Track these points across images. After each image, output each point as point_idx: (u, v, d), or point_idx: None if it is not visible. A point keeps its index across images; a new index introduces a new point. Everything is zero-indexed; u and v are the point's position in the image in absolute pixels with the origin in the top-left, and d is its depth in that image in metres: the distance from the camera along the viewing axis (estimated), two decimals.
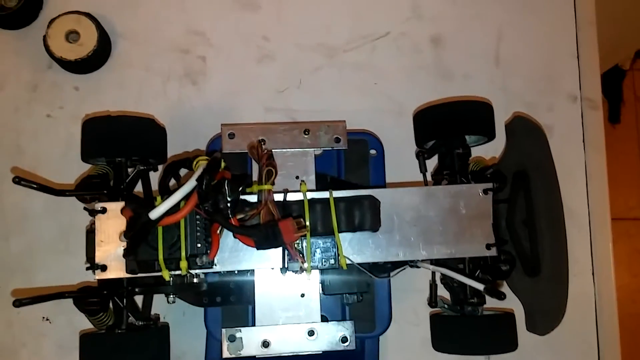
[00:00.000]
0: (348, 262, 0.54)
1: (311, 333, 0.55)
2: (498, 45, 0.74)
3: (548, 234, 0.57)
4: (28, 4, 0.68)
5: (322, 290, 0.57)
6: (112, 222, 0.53)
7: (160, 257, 0.50)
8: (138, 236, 0.49)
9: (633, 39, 1.32)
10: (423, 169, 0.61)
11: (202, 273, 0.55)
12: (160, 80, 0.71)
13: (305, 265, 0.53)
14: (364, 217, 0.54)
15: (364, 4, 0.74)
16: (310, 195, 0.54)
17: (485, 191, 0.56)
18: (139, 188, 0.59)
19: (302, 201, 0.54)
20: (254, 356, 0.55)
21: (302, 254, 0.53)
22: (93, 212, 0.53)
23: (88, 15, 0.67)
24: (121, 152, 0.57)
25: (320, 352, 0.55)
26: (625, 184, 1.58)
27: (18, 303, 0.50)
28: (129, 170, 0.58)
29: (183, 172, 0.57)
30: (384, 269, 0.58)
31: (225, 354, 0.54)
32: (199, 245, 0.51)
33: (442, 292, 0.62)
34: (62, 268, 0.66)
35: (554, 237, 0.57)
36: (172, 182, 0.57)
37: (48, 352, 0.65)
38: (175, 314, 0.65)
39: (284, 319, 0.56)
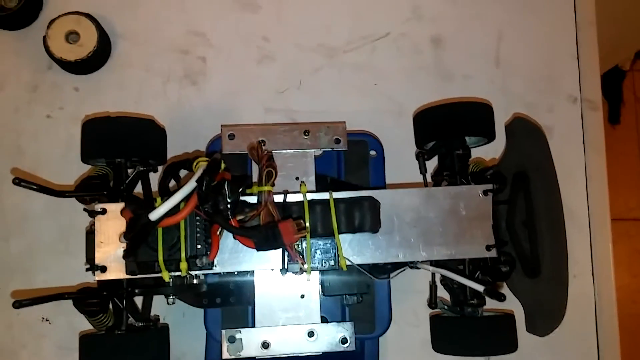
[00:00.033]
0: (348, 263, 0.54)
1: (311, 334, 0.55)
2: (498, 45, 0.74)
3: (548, 235, 0.57)
4: (28, 5, 0.68)
5: (322, 291, 0.57)
6: (112, 223, 0.53)
7: (160, 258, 0.50)
8: (138, 237, 0.49)
9: (633, 40, 1.32)
10: (423, 170, 0.61)
11: (202, 274, 0.55)
12: (160, 81, 0.71)
13: (305, 266, 0.53)
14: (364, 218, 0.54)
15: (364, 5, 0.74)
16: (310, 196, 0.54)
17: (485, 192, 0.56)
18: (138, 189, 0.59)
19: (302, 202, 0.54)
20: (254, 357, 0.55)
21: (302, 255, 0.53)
22: (93, 213, 0.53)
23: (88, 15, 0.67)
24: (121, 153, 0.57)
25: (320, 353, 0.55)
26: (625, 184, 1.58)
27: (18, 304, 0.50)
28: (129, 171, 0.58)
29: (183, 173, 0.57)
30: (384, 270, 0.58)
31: (225, 355, 0.54)
32: (198, 246, 0.51)
33: (442, 293, 0.62)
34: (62, 269, 0.66)
35: (554, 238, 0.57)
36: (172, 183, 0.57)
37: (48, 353, 0.65)
38: (175, 315, 0.65)
39: (284, 320, 0.56)
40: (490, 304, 0.55)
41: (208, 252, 0.51)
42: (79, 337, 0.56)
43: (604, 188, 0.72)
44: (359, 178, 0.63)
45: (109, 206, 0.53)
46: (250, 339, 0.55)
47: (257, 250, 0.51)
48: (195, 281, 0.55)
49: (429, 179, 0.62)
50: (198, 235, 0.51)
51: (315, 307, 0.57)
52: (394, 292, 0.61)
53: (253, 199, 0.53)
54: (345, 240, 0.55)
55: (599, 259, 0.71)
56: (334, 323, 0.56)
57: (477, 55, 0.74)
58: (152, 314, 0.59)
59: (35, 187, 0.52)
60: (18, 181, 0.51)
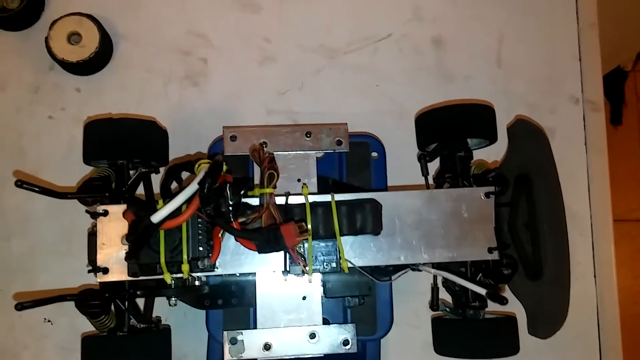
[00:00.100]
0: (349, 265, 0.54)
1: (313, 336, 0.55)
2: (499, 46, 0.74)
3: (550, 237, 0.57)
4: (30, 6, 0.68)
5: (324, 293, 0.57)
6: (114, 224, 0.53)
7: (162, 260, 0.50)
8: (140, 240, 0.49)
9: (635, 41, 1.32)
10: (425, 172, 0.61)
11: (204, 276, 0.55)
12: (162, 82, 0.71)
13: (307, 268, 0.53)
14: (366, 220, 0.54)
15: (365, 6, 0.74)
16: (311, 198, 0.54)
17: (487, 195, 0.56)
18: (140, 190, 0.59)
19: (303, 204, 0.54)
20: (256, 359, 0.55)
21: (304, 258, 0.53)
22: (95, 215, 0.53)
23: (90, 17, 0.67)
24: (123, 154, 0.58)
25: (322, 355, 0.55)
26: (627, 185, 1.58)
27: (20, 306, 0.50)
28: (131, 172, 0.58)
29: (185, 174, 0.57)
30: (386, 272, 0.58)
31: (227, 357, 0.54)
32: (200, 248, 0.51)
33: (444, 295, 0.62)
34: (63, 270, 0.66)
35: (556, 240, 0.57)
36: (174, 185, 0.57)
37: (50, 354, 0.65)
38: (176, 316, 0.65)
39: (286, 322, 0.56)
40: (492, 306, 0.55)
41: (210, 254, 0.51)
42: (81, 338, 0.56)
43: (606, 189, 0.72)
44: (361, 180, 0.63)
45: (111, 208, 0.53)
46: (251, 340, 0.55)
47: (259, 252, 0.51)
48: (197, 283, 0.55)
49: (430, 181, 0.61)
50: (200, 237, 0.51)
51: (317, 308, 0.57)
52: (395, 294, 0.61)
53: (255, 201, 0.53)
54: (347, 243, 0.55)
55: (601, 260, 0.70)
56: (335, 325, 0.56)
57: (478, 56, 0.74)
58: (153, 315, 0.59)
59: (37, 189, 0.52)
60: (20, 183, 0.51)
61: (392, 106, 0.72)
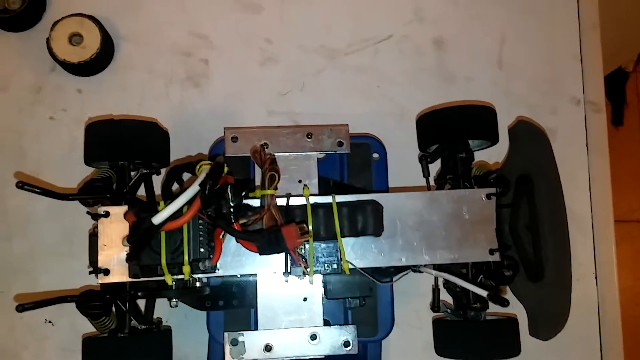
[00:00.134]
0: (351, 267, 0.54)
1: (314, 337, 0.55)
2: (501, 47, 0.74)
3: (551, 238, 0.57)
4: (31, 7, 0.68)
5: (325, 294, 0.57)
6: (115, 226, 0.53)
7: (163, 261, 0.50)
8: (141, 241, 0.49)
9: (636, 41, 1.32)
10: (426, 173, 0.61)
11: (205, 277, 0.55)
12: (163, 83, 0.71)
13: (308, 270, 0.53)
14: (367, 221, 0.54)
15: (366, 7, 0.74)
16: (313, 199, 0.54)
17: (488, 196, 0.56)
18: (141, 192, 0.59)
19: (304, 206, 0.54)
20: None
21: (305, 259, 0.53)
22: (96, 216, 0.53)
23: (91, 17, 0.67)
24: (124, 155, 0.58)
25: (323, 356, 0.55)
26: (628, 186, 1.57)
27: (21, 308, 0.50)
28: (132, 173, 0.58)
29: (186, 176, 0.57)
30: (387, 273, 0.58)
31: (228, 358, 0.54)
32: (201, 250, 0.51)
33: (445, 296, 0.62)
34: (64, 271, 0.66)
35: (557, 242, 0.57)
36: (175, 186, 0.57)
37: (50, 354, 0.65)
38: (177, 317, 0.65)
39: (287, 323, 0.56)
40: (493, 307, 0.55)
41: (211, 256, 0.51)
42: (81, 339, 0.56)
43: (608, 190, 0.72)
44: (362, 181, 0.63)
45: (112, 209, 0.53)
46: (252, 341, 0.55)
47: (260, 254, 0.51)
48: (198, 284, 0.55)
49: (432, 182, 0.61)
50: (201, 238, 0.51)
51: (318, 310, 0.57)
52: (396, 295, 0.61)
53: (256, 203, 0.53)
54: (348, 244, 0.55)
55: (602, 261, 0.70)
56: (336, 326, 0.56)
57: (479, 57, 0.74)
58: (154, 316, 0.59)
59: (38, 190, 0.52)
60: (21, 185, 0.51)
61: (393, 107, 0.72)
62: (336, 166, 0.62)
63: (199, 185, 0.49)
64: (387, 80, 0.72)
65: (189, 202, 0.49)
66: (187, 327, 0.65)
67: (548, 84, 0.73)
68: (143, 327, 0.57)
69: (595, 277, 0.70)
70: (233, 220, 0.50)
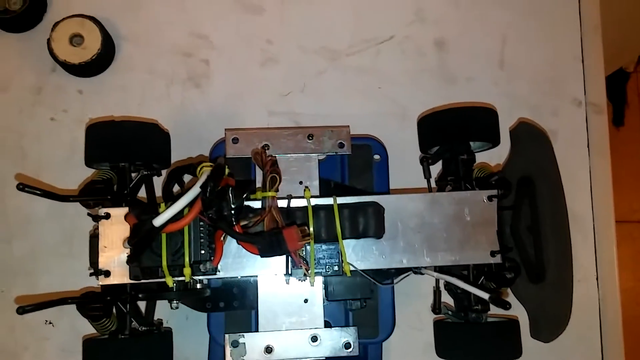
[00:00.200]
0: (352, 269, 0.54)
1: (314, 339, 0.55)
2: (502, 48, 0.74)
3: (553, 240, 0.57)
4: (32, 7, 0.68)
5: (326, 296, 0.57)
6: (116, 227, 0.53)
7: (164, 263, 0.50)
8: (142, 243, 0.49)
9: (638, 42, 1.32)
10: (427, 174, 0.61)
11: (206, 279, 0.55)
12: (164, 84, 0.71)
13: (309, 272, 0.53)
14: (368, 223, 0.54)
15: (368, 8, 0.74)
16: (314, 201, 0.54)
17: (489, 198, 0.56)
18: (142, 193, 0.59)
19: (306, 208, 0.54)
20: None
21: (306, 261, 0.53)
22: (97, 218, 0.53)
23: (92, 18, 0.67)
24: (125, 157, 0.57)
25: (324, 358, 0.55)
26: (629, 186, 1.57)
27: (21, 310, 0.50)
28: (133, 175, 0.58)
29: (187, 177, 0.57)
30: (388, 274, 0.58)
31: None
32: (202, 251, 0.51)
33: (446, 298, 0.62)
34: (65, 272, 0.66)
35: (558, 243, 0.57)
36: (176, 187, 0.57)
37: (50, 355, 0.65)
38: (178, 318, 0.65)
39: (287, 325, 0.56)
40: (495, 309, 0.55)
41: (212, 258, 0.51)
42: (82, 341, 0.56)
43: (609, 191, 0.72)
44: (363, 182, 0.63)
45: (113, 211, 0.53)
46: (253, 343, 0.55)
47: (261, 256, 0.51)
48: (198, 286, 0.55)
49: (433, 183, 0.61)
50: (202, 240, 0.51)
51: (319, 311, 0.57)
52: (397, 296, 0.61)
53: (257, 204, 0.53)
54: (349, 246, 0.55)
55: (603, 262, 0.70)
56: (337, 328, 0.56)
57: (481, 58, 0.74)
58: (155, 318, 0.59)
59: (39, 192, 0.52)
60: (22, 187, 0.51)
61: (395, 108, 0.72)
62: (337, 167, 0.62)
63: (200, 187, 0.49)
64: (389, 81, 0.72)
65: (190, 204, 0.49)
66: (187, 329, 0.65)
67: (549, 85, 0.73)
68: (144, 328, 0.57)
69: (597, 278, 0.70)
70: (234, 222, 0.50)
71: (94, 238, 0.54)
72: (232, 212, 0.49)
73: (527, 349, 0.58)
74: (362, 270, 0.55)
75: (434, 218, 0.56)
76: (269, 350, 0.55)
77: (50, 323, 0.66)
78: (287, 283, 0.56)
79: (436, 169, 0.63)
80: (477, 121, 0.61)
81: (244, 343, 0.55)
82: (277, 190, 0.53)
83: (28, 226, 0.67)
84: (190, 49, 0.71)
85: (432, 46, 0.73)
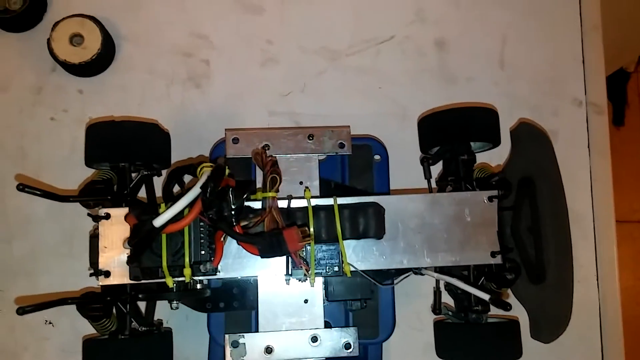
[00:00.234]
0: (352, 269, 0.54)
1: (314, 339, 0.55)
2: (502, 48, 0.74)
3: (553, 241, 0.57)
4: (32, 7, 0.68)
5: (326, 296, 0.57)
6: (116, 228, 0.53)
7: (164, 264, 0.50)
8: (142, 243, 0.49)
9: (638, 42, 1.32)
10: (428, 175, 0.61)
11: (206, 279, 0.55)
12: (164, 84, 0.71)
13: (310, 272, 0.53)
14: (369, 224, 0.54)
15: (368, 7, 0.74)
16: (314, 202, 0.54)
17: (490, 198, 0.56)
18: (142, 193, 0.59)
19: (306, 208, 0.54)
20: None
21: (306, 262, 0.53)
22: (97, 218, 0.53)
23: (92, 18, 0.67)
24: (125, 157, 0.57)
25: (324, 359, 0.55)
26: (629, 186, 1.57)
27: (21, 311, 0.50)
28: (133, 175, 0.58)
29: (187, 177, 0.57)
30: (388, 275, 0.58)
31: None
32: (202, 252, 0.51)
33: (446, 298, 0.61)
34: (65, 272, 0.66)
35: (559, 244, 0.57)
36: (176, 187, 0.57)
37: (50, 355, 0.65)
38: (178, 318, 0.65)
39: (287, 325, 0.56)
40: (495, 309, 0.55)
41: (212, 258, 0.51)
42: (82, 341, 0.56)
43: (609, 192, 0.72)
44: (363, 182, 0.62)
45: (113, 211, 0.53)
46: (253, 343, 0.55)
47: (261, 257, 0.51)
48: (198, 286, 0.55)
49: (433, 184, 0.61)
50: (202, 241, 0.51)
51: (319, 312, 0.56)
52: (397, 296, 0.61)
53: (257, 205, 0.53)
54: (350, 246, 0.55)
55: (603, 262, 0.70)
56: (337, 328, 0.56)
57: (481, 58, 0.73)
58: (155, 318, 0.59)
59: (39, 192, 0.52)
60: (22, 187, 0.51)
61: (395, 108, 0.72)
62: (337, 168, 0.62)
63: (200, 187, 0.49)
64: (389, 81, 0.72)
65: (190, 205, 0.49)
66: (187, 329, 0.64)
67: (550, 85, 0.73)
68: (143, 328, 0.56)
69: (597, 279, 0.70)
70: (234, 223, 0.50)
71: (94, 238, 0.54)
72: (233, 212, 0.49)
73: (528, 350, 0.58)
74: (362, 271, 0.55)
75: (434, 219, 0.56)
76: (269, 350, 0.55)
77: (50, 323, 0.66)
78: (287, 283, 0.56)
79: (436, 169, 0.63)
80: (478, 121, 0.61)
81: (244, 343, 0.55)
82: (277, 191, 0.53)
83: (28, 226, 0.67)
84: (191, 49, 0.71)
85: (433, 46, 0.73)
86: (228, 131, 0.58)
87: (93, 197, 0.56)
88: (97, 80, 0.70)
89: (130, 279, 0.52)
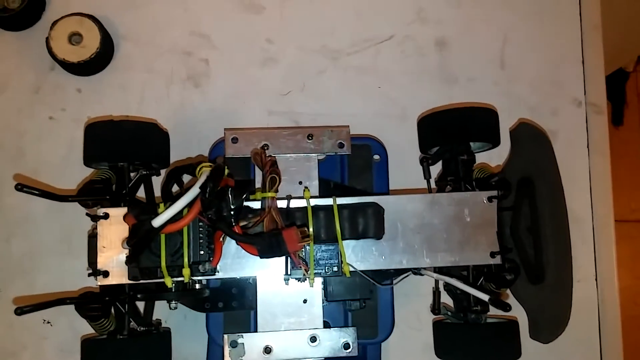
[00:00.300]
0: (351, 269, 0.54)
1: (313, 339, 0.55)
2: (503, 48, 0.74)
3: (552, 241, 0.57)
4: (31, 6, 0.68)
5: (325, 296, 0.57)
6: (115, 228, 0.53)
7: (163, 264, 0.50)
8: (141, 243, 0.49)
9: (637, 42, 1.32)
10: (427, 175, 0.61)
11: (205, 279, 0.55)
12: (163, 83, 0.70)
13: (309, 273, 0.53)
14: (368, 224, 0.54)
15: (368, 7, 0.74)
16: (313, 202, 0.54)
17: (489, 199, 0.56)
18: (141, 193, 0.59)
19: (305, 208, 0.53)
20: None
21: (306, 262, 0.53)
22: (95, 218, 0.53)
23: (91, 17, 0.67)
24: (124, 156, 0.57)
25: (323, 359, 0.55)
26: (628, 186, 1.57)
27: (20, 311, 0.50)
28: (132, 175, 0.58)
29: (186, 177, 0.57)
30: (387, 275, 0.58)
31: None
32: (201, 252, 0.51)
33: (446, 298, 0.61)
34: (63, 271, 0.65)
35: (558, 244, 0.57)
36: (175, 187, 0.57)
37: (49, 355, 0.65)
38: (176, 318, 0.65)
39: (286, 325, 0.56)
40: (494, 310, 0.55)
41: (211, 258, 0.51)
42: (80, 341, 0.56)
43: (608, 192, 0.72)
44: (363, 182, 0.62)
45: (112, 211, 0.53)
46: (252, 343, 0.55)
47: (261, 257, 0.50)
48: (197, 286, 0.55)
49: (433, 184, 0.61)
50: (201, 241, 0.51)
51: (318, 312, 0.56)
52: (397, 296, 0.61)
53: (256, 205, 0.53)
54: (349, 246, 0.55)
55: (602, 262, 0.70)
56: (336, 328, 0.56)
57: (481, 58, 0.73)
58: (154, 318, 0.59)
59: (37, 192, 0.52)
60: (20, 187, 0.51)
61: (395, 108, 0.71)
62: (337, 168, 0.62)
63: (200, 187, 0.48)
64: (389, 81, 0.72)
65: (189, 205, 0.49)
66: (186, 329, 0.64)
67: (550, 86, 0.73)
68: (142, 328, 0.56)
69: (596, 279, 0.70)
70: (233, 223, 0.50)
71: (93, 238, 0.53)
72: (232, 212, 0.49)
73: (527, 350, 0.58)
74: (361, 271, 0.55)
75: (433, 219, 0.56)
76: (267, 350, 0.55)
77: (48, 323, 0.65)
78: (287, 283, 0.56)
79: (436, 169, 0.63)
80: (477, 121, 0.60)
81: (243, 343, 0.54)
82: (276, 191, 0.53)
83: (26, 226, 0.67)
84: (190, 48, 0.71)
85: (433, 46, 0.73)
86: (227, 131, 0.58)
87: (92, 196, 0.56)
88: (95, 79, 0.70)
89: (129, 279, 0.52)
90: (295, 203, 0.54)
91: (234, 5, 0.72)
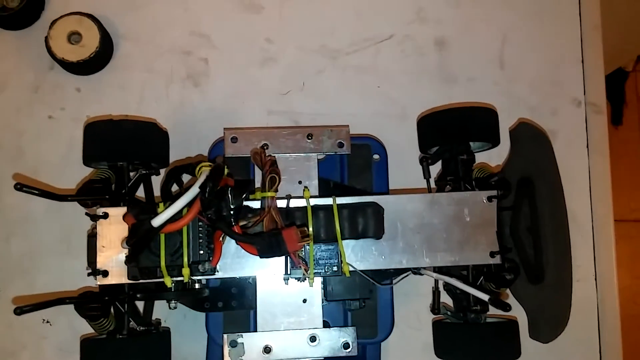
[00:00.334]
0: (351, 269, 0.54)
1: (313, 339, 0.55)
2: (502, 48, 0.74)
3: (552, 241, 0.57)
4: (30, 5, 0.68)
5: (325, 296, 0.57)
6: (114, 227, 0.53)
7: (163, 264, 0.50)
8: (140, 243, 0.49)
9: (637, 42, 1.32)
10: (427, 174, 0.61)
11: (204, 279, 0.55)
12: (163, 82, 0.70)
13: (308, 272, 0.53)
14: (368, 224, 0.54)
15: (368, 7, 0.74)
16: (313, 201, 0.54)
17: (489, 198, 0.56)
18: (140, 192, 0.59)
19: (305, 208, 0.53)
20: None
21: (305, 262, 0.53)
22: (95, 217, 0.53)
23: (90, 16, 0.67)
24: (123, 156, 0.57)
25: (322, 358, 0.55)
26: (627, 185, 1.57)
27: (19, 311, 0.50)
28: (131, 174, 0.58)
29: (186, 177, 0.57)
30: (387, 275, 0.58)
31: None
32: (201, 252, 0.51)
33: (445, 298, 0.61)
34: (63, 271, 0.65)
35: (557, 244, 0.57)
36: (175, 187, 0.57)
37: (48, 354, 0.65)
38: (176, 317, 0.65)
39: (286, 325, 0.56)
40: (494, 309, 0.55)
41: (211, 258, 0.51)
42: (80, 341, 0.56)
43: (608, 192, 0.72)
44: (362, 182, 0.62)
45: (111, 210, 0.53)
46: (251, 343, 0.55)
47: (260, 257, 0.50)
48: (197, 286, 0.55)
49: (432, 184, 0.61)
50: (201, 241, 0.51)
51: (318, 311, 0.56)
52: (396, 296, 0.61)
53: (256, 204, 0.53)
54: (348, 246, 0.55)
55: (601, 262, 0.70)
56: (336, 328, 0.56)
57: (481, 58, 0.73)
58: (153, 317, 0.59)
59: (36, 192, 0.52)
60: (20, 186, 0.51)
61: (394, 108, 0.71)
62: (336, 167, 0.62)
63: (199, 187, 0.48)
64: (388, 81, 0.72)
65: (189, 204, 0.49)
66: (186, 329, 0.64)
67: (549, 85, 0.73)
68: (142, 328, 0.56)
69: (595, 279, 0.70)
70: (233, 223, 0.49)
71: (92, 238, 0.53)
72: (231, 212, 0.49)
73: (526, 350, 0.58)
74: (361, 271, 0.55)
75: (433, 218, 0.56)
76: (267, 350, 0.55)
77: (48, 322, 0.65)
78: (286, 283, 0.56)
79: (436, 169, 0.63)
80: (477, 121, 0.61)
81: (243, 343, 0.55)
82: (276, 191, 0.53)
83: (26, 225, 0.66)
84: (189, 47, 0.71)
85: (433, 46, 0.73)
86: (227, 130, 0.58)
87: (91, 196, 0.55)
88: (95, 78, 0.70)
89: (129, 278, 0.52)
90: (295, 203, 0.54)
91: (234, 5, 0.72)
